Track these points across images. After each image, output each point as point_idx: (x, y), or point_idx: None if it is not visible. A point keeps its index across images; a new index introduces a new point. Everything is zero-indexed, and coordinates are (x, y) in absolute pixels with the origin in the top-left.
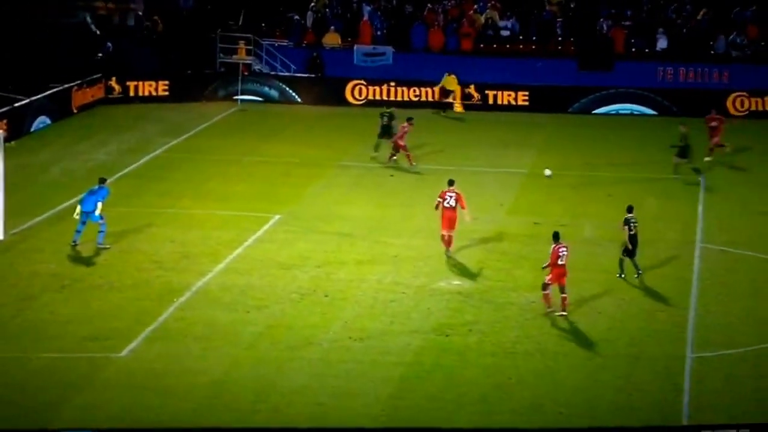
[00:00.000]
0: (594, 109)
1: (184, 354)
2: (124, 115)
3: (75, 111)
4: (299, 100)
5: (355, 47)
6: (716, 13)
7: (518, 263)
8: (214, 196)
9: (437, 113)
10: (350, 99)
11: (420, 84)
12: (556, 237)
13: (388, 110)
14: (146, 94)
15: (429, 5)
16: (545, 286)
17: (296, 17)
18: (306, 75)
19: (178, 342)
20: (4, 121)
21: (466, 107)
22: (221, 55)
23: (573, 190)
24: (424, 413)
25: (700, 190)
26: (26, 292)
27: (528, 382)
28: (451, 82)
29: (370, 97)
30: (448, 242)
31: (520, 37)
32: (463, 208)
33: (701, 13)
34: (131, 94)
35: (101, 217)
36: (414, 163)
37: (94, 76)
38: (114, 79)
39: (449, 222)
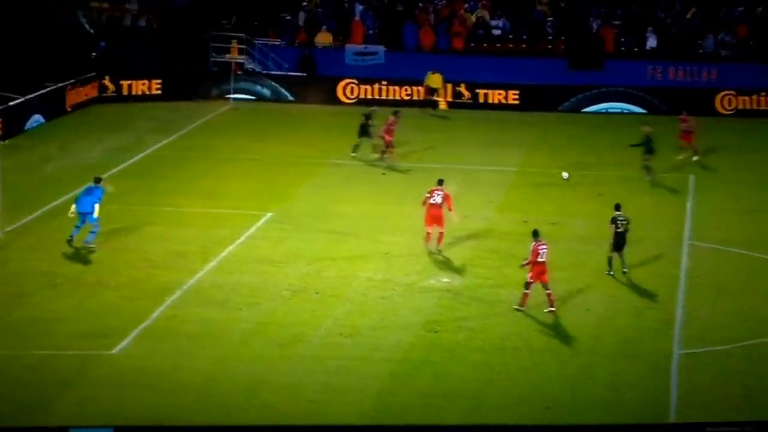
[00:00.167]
0: (584, 108)
1: (175, 351)
2: (118, 113)
3: (69, 110)
4: (291, 98)
5: (346, 46)
6: (705, 13)
7: (507, 261)
8: (207, 195)
9: (425, 112)
10: (342, 98)
11: (411, 83)
12: (535, 234)
13: (369, 109)
14: (139, 92)
15: (420, 4)
16: (527, 285)
17: (288, 17)
18: (298, 74)
19: (170, 339)
20: None
21: (456, 106)
22: (214, 54)
23: (563, 188)
24: (414, 409)
25: (689, 188)
26: (20, 290)
27: (516, 379)
28: (434, 80)
29: (362, 95)
30: (438, 239)
31: (511, 36)
32: (449, 209)
33: (690, 12)
34: (124, 92)
35: (97, 219)
36: (385, 157)
37: (88, 75)
38: (107, 78)
39: (433, 219)
